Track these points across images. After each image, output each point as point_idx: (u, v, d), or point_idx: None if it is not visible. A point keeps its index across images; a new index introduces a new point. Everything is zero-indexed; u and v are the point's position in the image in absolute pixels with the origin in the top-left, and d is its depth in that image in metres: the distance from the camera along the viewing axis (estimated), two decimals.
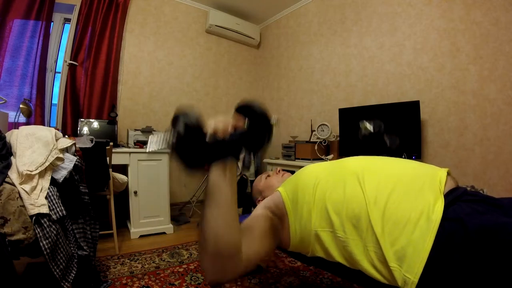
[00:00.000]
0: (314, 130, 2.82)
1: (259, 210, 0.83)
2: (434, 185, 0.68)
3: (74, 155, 1.40)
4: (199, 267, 1.68)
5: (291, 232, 0.82)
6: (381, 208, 0.67)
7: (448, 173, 0.75)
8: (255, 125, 0.63)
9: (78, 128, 2.42)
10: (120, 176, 2.08)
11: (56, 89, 2.67)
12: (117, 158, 2.13)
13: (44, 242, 1.05)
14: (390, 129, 2.28)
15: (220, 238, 0.58)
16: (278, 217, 0.83)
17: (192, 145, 0.56)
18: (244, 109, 0.65)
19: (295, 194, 0.84)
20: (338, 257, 0.74)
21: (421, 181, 0.70)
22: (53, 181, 1.21)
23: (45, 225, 1.07)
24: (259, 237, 0.72)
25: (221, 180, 0.59)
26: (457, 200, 0.66)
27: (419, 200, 0.65)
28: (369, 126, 1.43)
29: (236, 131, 0.60)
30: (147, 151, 2.26)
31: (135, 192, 2.23)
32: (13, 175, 1.12)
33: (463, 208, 0.62)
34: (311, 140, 2.84)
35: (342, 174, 0.79)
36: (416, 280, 0.58)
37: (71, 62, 2.57)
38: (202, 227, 0.60)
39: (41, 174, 1.18)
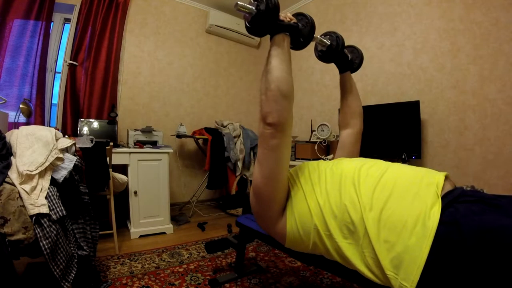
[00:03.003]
0: (314, 130, 2.82)
1: None
2: (431, 189, 0.67)
3: (74, 155, 1.41)
4: (199, 267, 1.68)
5: (288, 226, 0.81)
6: (376, 214, 0.66)
7: (447, 177, 0.73)
8: (306, 24, 0.96)
9: (78, 128, 2.42)
10: (120, 176, 2.08)
11: (56, 89, 2.67)
12: (117, 158, 2.13)
13: (44, 242, 1.05)
14: (390, 129, 2.28)
15: (284, 81, 0.81)
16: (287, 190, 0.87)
17: (272, 16, 0.84)
18: (300, 15, 0.98)
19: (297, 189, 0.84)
20: (336, 257, 0.74)
21: (417, 186, 0.69)
22: (53, 181, 1.21)
23: (45, 225, 1.07)
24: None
25: (284, 44, 0.88)
26: (454, 202, 0.64)
27: (416, 205, 0.64)
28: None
29: (297, 23, 0.95)
30: None
31: (135, 192, 2.23)
32: (13, 175, 1.12)
33: (459, 210, 0.61)
34: (311, 140, 2.84)
35: (338, 178, 0.79)
36: None
37: (71, 62, 2.57)
38: (268, 76, 0.82)
39: (41, 174, 1.18)
